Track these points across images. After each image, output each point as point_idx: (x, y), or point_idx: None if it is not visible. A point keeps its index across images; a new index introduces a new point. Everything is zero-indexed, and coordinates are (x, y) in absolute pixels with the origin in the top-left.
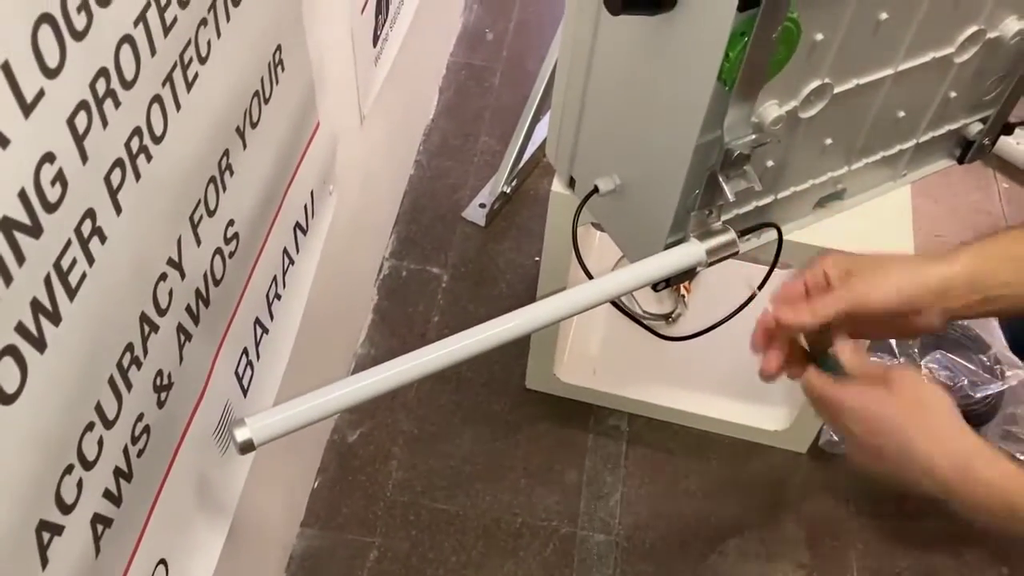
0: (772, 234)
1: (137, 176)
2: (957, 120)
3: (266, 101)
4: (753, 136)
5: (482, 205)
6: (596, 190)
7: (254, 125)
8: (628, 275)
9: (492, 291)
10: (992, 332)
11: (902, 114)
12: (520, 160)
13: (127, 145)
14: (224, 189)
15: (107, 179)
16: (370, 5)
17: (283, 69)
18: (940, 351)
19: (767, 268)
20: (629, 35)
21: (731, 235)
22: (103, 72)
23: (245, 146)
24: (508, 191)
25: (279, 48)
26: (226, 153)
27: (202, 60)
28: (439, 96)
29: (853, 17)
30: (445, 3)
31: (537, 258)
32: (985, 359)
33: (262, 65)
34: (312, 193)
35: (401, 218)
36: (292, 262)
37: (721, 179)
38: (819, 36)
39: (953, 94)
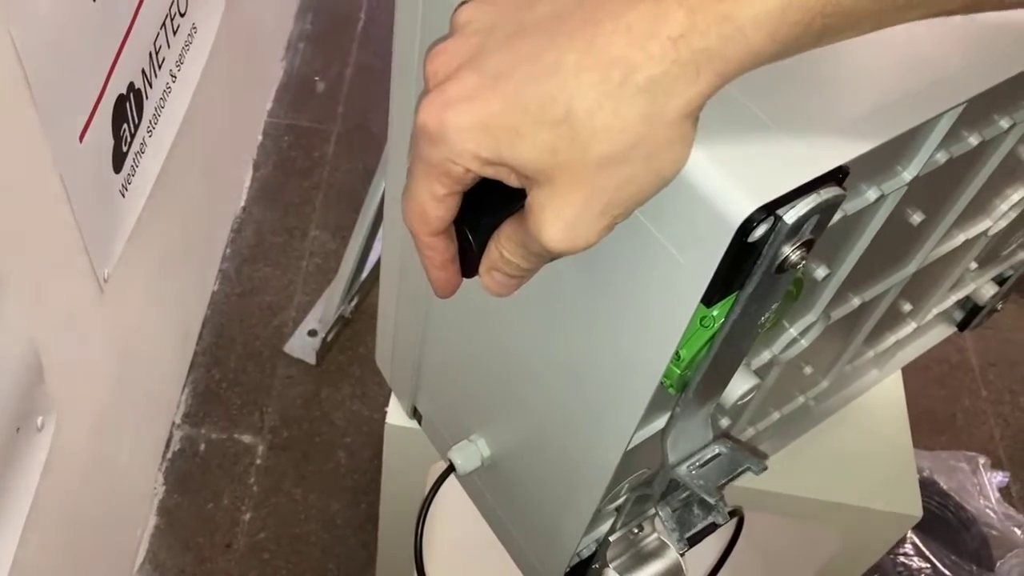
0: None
1: None
2: (967, 288)
3: None
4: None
5: (312, 333)
6: (452, 468)
7: None
8: None
9: (326, 465)
10: None
11: (908, 308)
12: (363, 267)
13: None
14: None
15: None
16: (98, 122)
17: None
18: None
19: None
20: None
21: (673, 558)
22: None
23: None
24: (347, 313)
25: None
26: None
27: None
28: (252, 174)
29: (876, 237)
30: (257, 40)
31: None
32: None
33: None
34: None
35: (198, 360)
36: None
37: (660, 516)
38: (820, 273)
39: (973, 265)
